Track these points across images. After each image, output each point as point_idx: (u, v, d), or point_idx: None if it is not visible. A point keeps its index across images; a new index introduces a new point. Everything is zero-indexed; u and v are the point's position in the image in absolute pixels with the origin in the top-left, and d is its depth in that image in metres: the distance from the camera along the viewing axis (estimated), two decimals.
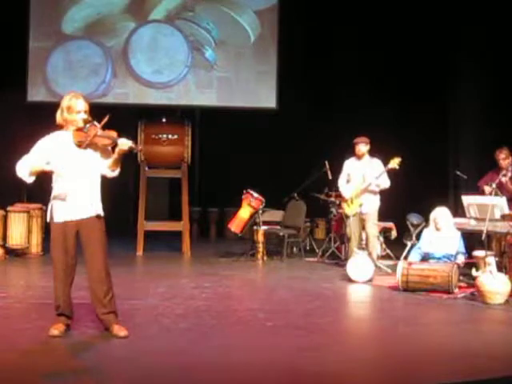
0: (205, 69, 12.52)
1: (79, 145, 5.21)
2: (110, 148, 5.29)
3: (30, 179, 5.23)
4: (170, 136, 10.73)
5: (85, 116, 5.23)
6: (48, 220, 5.32)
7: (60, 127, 5.31)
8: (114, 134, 5.25)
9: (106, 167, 5.29)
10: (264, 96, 12.54)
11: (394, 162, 8.93)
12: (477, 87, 11.77)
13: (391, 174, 9.09)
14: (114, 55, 12.41)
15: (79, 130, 5.24)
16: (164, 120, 11.33)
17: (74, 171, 5.21)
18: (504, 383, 4.39)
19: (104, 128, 5.25)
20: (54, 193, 5.28)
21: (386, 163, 9.05)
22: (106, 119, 5.23)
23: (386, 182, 9.06)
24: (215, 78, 12.51)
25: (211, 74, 12.51)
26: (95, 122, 5.27)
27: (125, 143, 5.19)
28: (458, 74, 12.23)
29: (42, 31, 12.30)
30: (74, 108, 5.21)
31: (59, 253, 5.21)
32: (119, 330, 5.23)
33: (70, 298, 5.33)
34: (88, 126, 5.24)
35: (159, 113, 11.70)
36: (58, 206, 5.23)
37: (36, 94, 12.22)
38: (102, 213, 5.30)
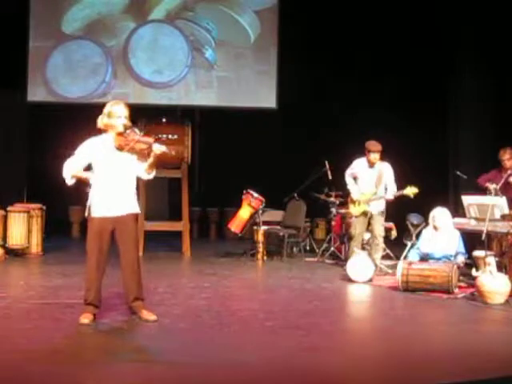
0: (205, 69, 12.52)
1: (119, 148, 5.57)
2: (146, 152, 5.63)
3: (70, 181, 5.63)
4: (169, 136, 10.70)
5: (125, 121, 5.60)
6: (86, 215, 5.66)
7: (100, 131, 5.67)
8: (150, 139, 5.64)
9: (143, 170, 5.71)
10: (264, 96, 12.54)
11: (411, 191, 8.67)
12: (477, 87, 11.77)
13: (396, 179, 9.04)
14: (114, 55, 12.41)
15: (120, 134, 5.59)
16: (164, 120, 11.31)
17: (112, 172, 5.58)
18: (504, 383, 4.39)
19: (143, 134, 5.67)
20: (93, 190, 5.61)
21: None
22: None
23: (390, 194, 8.95)
24: (215, 77, 12.52)
25: (211, 73, 12.52)
26: (135, 129, 5.65)
27: (159, 148, 5.59)
28: (459, 74, 12.22)
29: (42, 31, 12.31)
30: (114, 113, 5.60)
31: (94, 247, 5.60)
32: (148, 315, 5.66)
33: (99, 290, 5.65)
34: (128, 131, 5.59)
35: (159, 113, 11.67)
36: (96, 203, 5.57)
37: (36, 93, 12.21)
38: (137, 211, 5.75)
